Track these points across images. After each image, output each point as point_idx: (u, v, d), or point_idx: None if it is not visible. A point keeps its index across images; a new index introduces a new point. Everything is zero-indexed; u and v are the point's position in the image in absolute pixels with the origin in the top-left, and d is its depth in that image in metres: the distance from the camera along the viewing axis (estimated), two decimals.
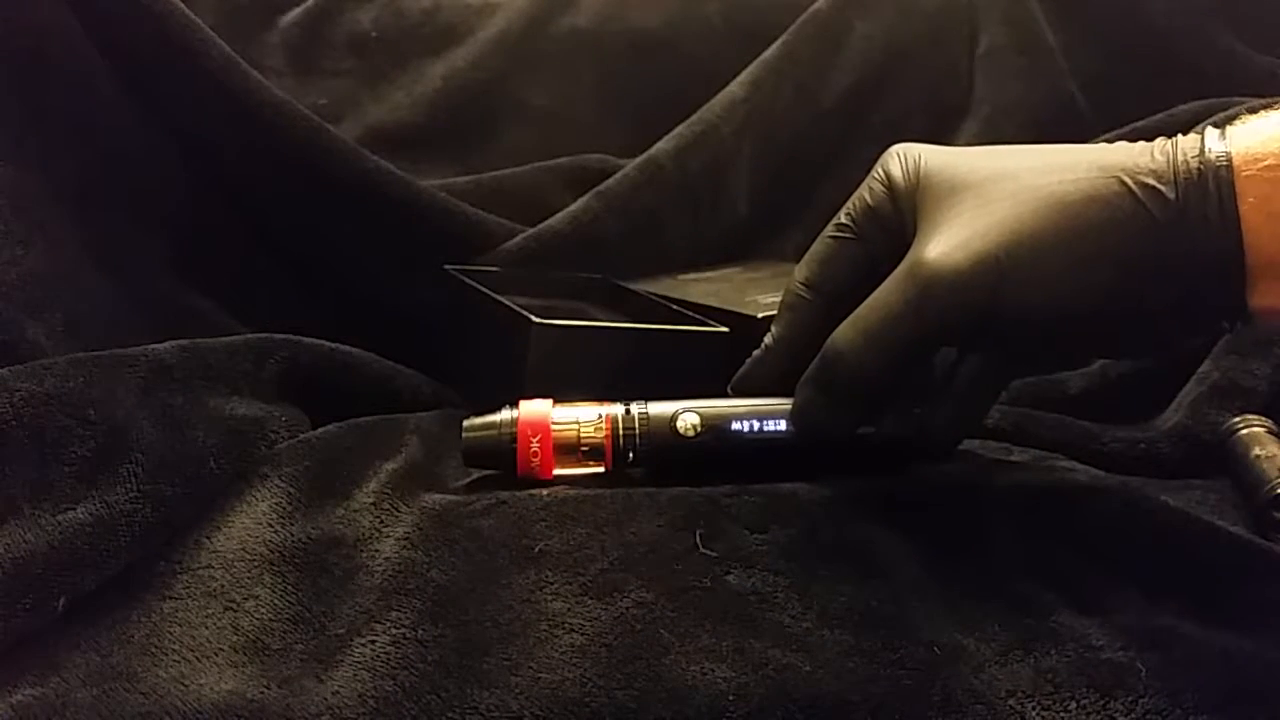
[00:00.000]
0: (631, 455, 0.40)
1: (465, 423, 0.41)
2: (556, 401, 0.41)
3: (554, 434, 0.40)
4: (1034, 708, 0.29)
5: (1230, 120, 0.32)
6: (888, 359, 0.35)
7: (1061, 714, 0.29)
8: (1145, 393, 0.53)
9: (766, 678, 0.29)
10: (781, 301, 0.40)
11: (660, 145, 0.68)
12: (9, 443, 0.34)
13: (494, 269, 0.60)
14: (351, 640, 0.31)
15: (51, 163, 0.49)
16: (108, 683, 0.30)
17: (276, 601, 0.33)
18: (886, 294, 0.35)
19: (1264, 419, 0.47)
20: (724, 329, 0.49)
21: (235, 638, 0.31)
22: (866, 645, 0.31)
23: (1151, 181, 0.31)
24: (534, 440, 0.39)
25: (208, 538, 0.36)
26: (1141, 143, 0.33)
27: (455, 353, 0.57)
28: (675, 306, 0.55)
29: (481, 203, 0.64)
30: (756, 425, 0.40)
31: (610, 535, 0.35)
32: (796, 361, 0.39)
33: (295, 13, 0.79)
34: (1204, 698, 0.29)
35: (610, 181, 0.65)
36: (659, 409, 0.40)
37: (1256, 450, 0.44)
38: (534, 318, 0.45)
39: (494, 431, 0.40)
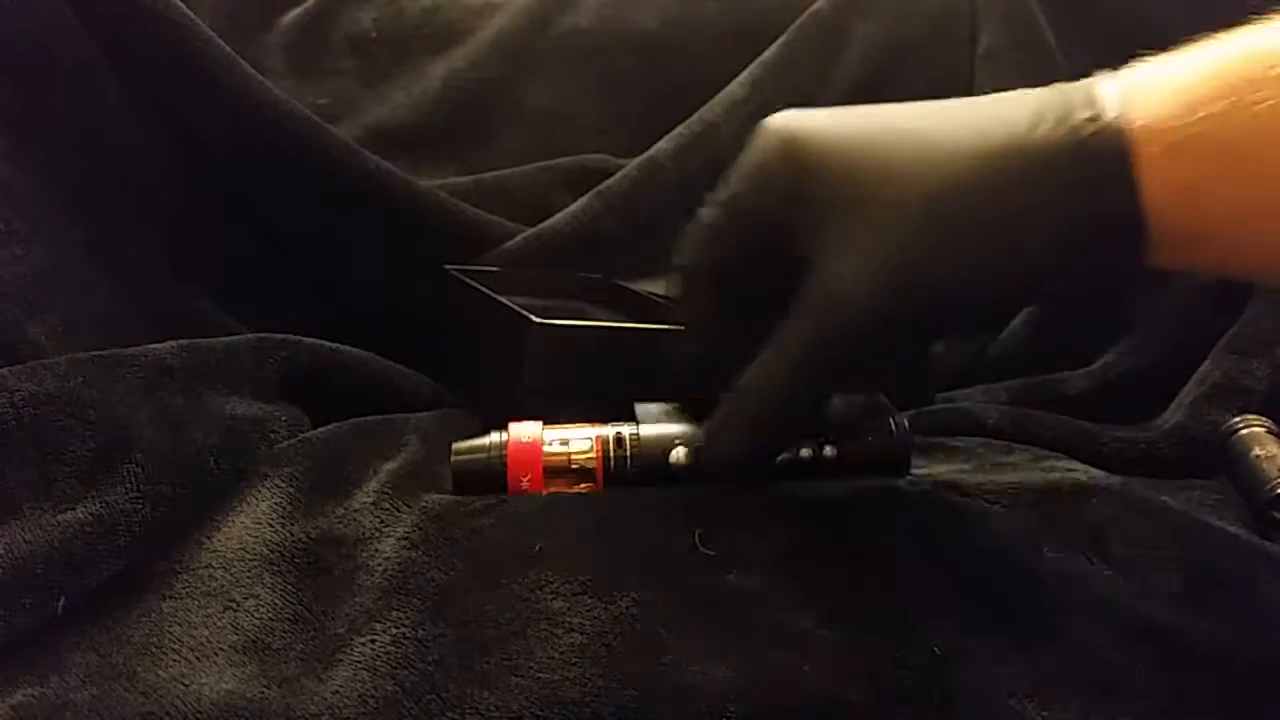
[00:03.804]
0: (622, 478, 0.39)
1: (454, 446, 0.40)
2: (549, 417, 0.40)
3: (544, 460, 0.39)
4: (1034, 708, 0.29)
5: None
6: (807, 391, 0.34)
7: (1061, 714, 0.29)
8: (1145, 393, 0.53)
9: (766, 678, 0.29)
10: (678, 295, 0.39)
11: (660, 145, 0.68)
12: (9, 443, 0.34)
13: (494, 269, 0.60)
14: (351, 640, 0.31)
15: (51, 163, 0.49)
16: (108, 683, 0.30)
17: (276, 601, 0.33)
18: (800, 329, 0.33)
19: (1264, 419, 0.47)
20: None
21: (235, 638, 0.31)
22: (866, 645, 0.31)
23: (1044, 167, 0.30)
24: (524, 474, 0.39)
25: (208, 538, 0.36)
26: (1025, 103, 0.31)
27: (455, 353, 0.57)
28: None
29: (481, 203, 0.64)
30: None
31: (610, 535, 0.35)
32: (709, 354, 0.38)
33: (295, 13, 0.79)
34: (1204, 698, 0.29)
35: (610, 181, 0.65)
36: (651, 433, 0.40)
37: (1256, 450, 0.44)
38: (534, 317, 0.45)
39: (483, 455, 0.39)
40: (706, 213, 0.36)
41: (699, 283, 0.37)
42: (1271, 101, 0.27)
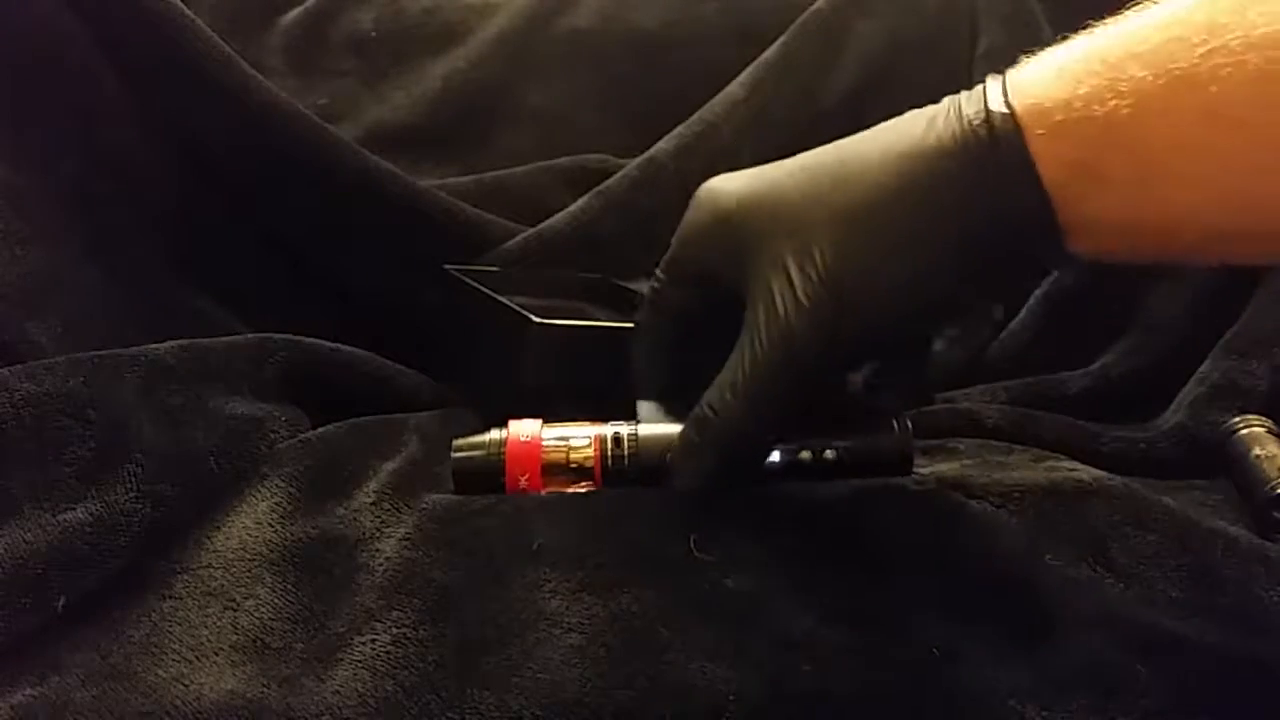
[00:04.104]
0: (621, 476, 0.39)
1: (454, 442, 0.40)
2: (548, 416, 0.40)
3: (543, 458, 0.39)
4: (1034, 708, 0.29)
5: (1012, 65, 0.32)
6: (762, 417, 0.35)
7: (1061, 714, 0.29)
8: (1145, 393, 0.53)
9: (766, 678, 0.29)
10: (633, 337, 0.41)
11: (660, 145, 0.68)
12: (9, 443, 0.34)
13: (494, 269, 0.60)
14: (352, 640, 0.31)
15: (51, 163, 0.49)
16: (108, 683, 0.30)
17: (276, 601, 0.33)
18: (748, 358, 0.34)
19: (1264, 419, 0.47)
20: None
21: (235, 637, 0.31)
22: (866, 645, 0.31)
23: (945, 165, 0.32)
24: (522, 472, 0.39)
25: (208, 538, 0.36)
26: (924, 112, 0.33)
27: (455, 353, 0.57)
28: None
29: (481, 203, 0.64)
30: None
31: (609, 534, 0.35)
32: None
33: (295, 13, 0.79)
34: (1204, 698, 0.29)
35: (610, 181, 0.65)
36: (650, 433, 0.39)
37: (1256, 450, 0.44)
38: (534, 317, 0.45)
39: (482, 452, 0.39)
40: (656, 274, 0.40)
41: (652, 333, 0.40)
42: (1145, 76, 0.28)
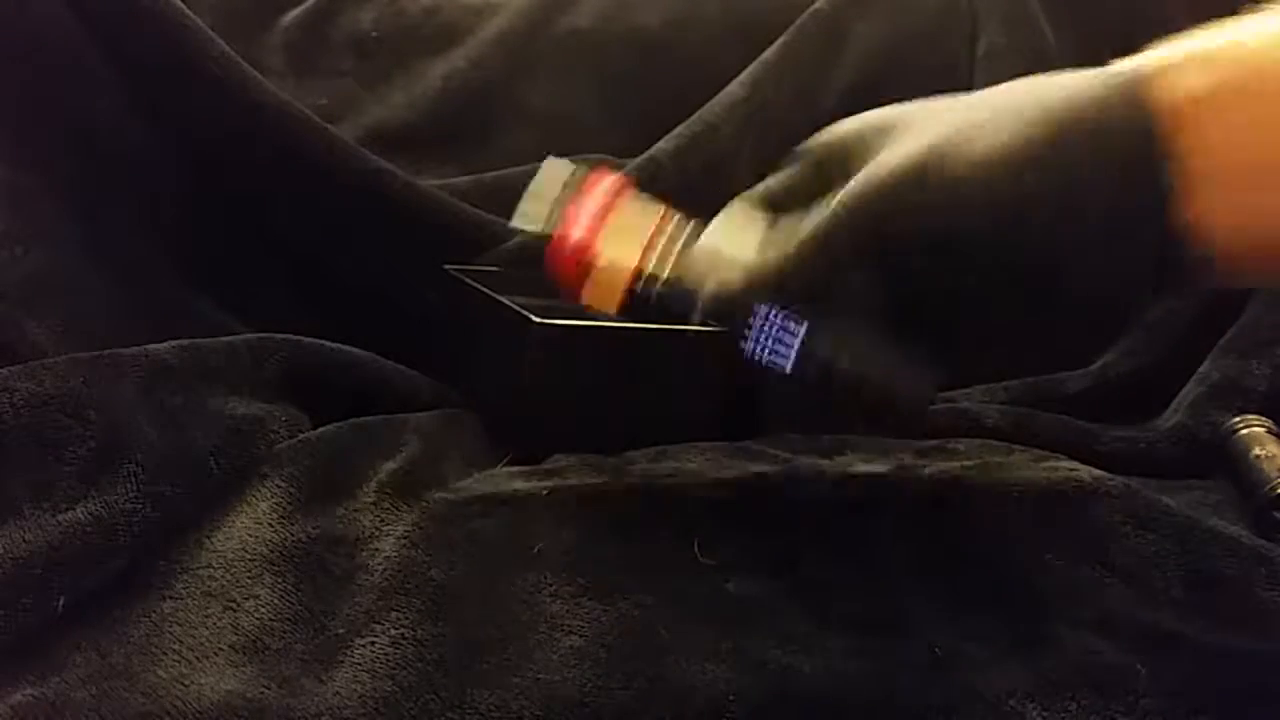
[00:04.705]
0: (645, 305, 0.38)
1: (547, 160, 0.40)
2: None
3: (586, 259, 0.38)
4: (1034, 708, 0.29)
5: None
6: (816, 267, 0.34)
7: (1061, 714, 0.29)
8: (1145, 393, 0.53)
9: (766, 678, 0.29)
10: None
11: (660, 145, 0.68)
12: (9, 443, 0.34)
13: (494, 269, 0.60)
14: (351, 640, 0.31)
15: (51, 163, 0.49)
16: (107, 683, 0.30)
17: (276, 601, 0.33)
18: (830, 215, 0.34)
19: (1264, 419, 0.47)
20: (724, 329, 0.49)
21: (235, 638, 0.31)
22: (866, 646, 0.31)
23: (1058, 93, 0.32)
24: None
25: (208, 538, 0.36)
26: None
27: (455, 353, 0.57)
28: None
29: (481, 203, 0.64)
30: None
31: (610, 536, 0.35)
32: None
33: (295, 13, 0.79)
34: (1204, 698, 0.29)
35: None
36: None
37: (1256, 450, 0.44)
38: (534, 317, 0.45)
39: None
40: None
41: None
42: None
